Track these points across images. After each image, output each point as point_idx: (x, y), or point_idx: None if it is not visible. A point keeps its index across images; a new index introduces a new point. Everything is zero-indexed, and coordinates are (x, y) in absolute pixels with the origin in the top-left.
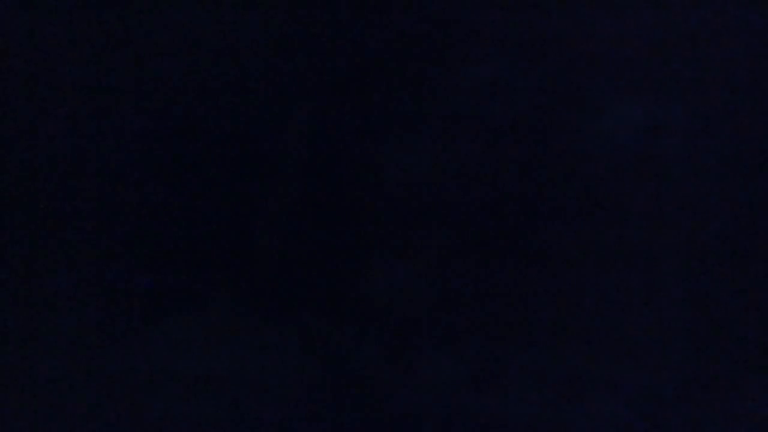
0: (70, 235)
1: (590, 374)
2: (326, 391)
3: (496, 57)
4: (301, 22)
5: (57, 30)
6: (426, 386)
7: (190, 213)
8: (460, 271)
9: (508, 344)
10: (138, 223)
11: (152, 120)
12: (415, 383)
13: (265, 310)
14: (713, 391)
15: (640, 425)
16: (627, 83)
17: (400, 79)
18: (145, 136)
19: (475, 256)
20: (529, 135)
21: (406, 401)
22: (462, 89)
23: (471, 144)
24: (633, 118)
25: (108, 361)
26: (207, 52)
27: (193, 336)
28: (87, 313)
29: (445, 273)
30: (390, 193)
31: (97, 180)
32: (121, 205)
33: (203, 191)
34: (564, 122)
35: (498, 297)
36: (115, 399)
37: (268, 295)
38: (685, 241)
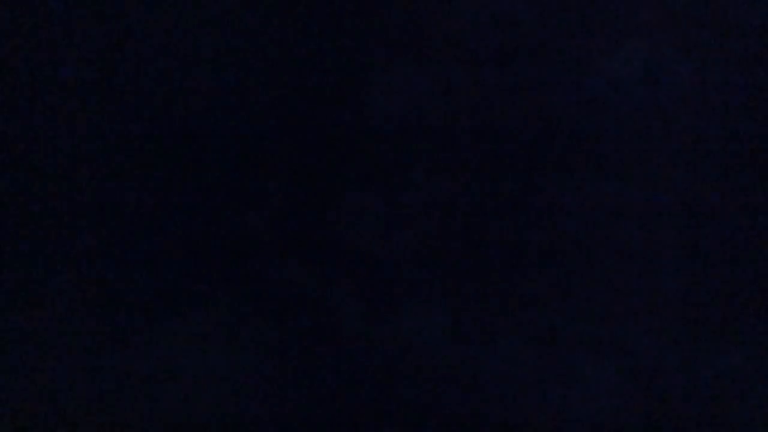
0: (69, 234)
1: (577, 332)
2: (301, 357)
3: None
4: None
5: (57, 30)
6: (407, 339)
7: (189, 213)
8: (448, 216)
9: (496, 296)
10: (138, 222)
11: (152, 120)
12: (396, 336)
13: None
14: (702, 349)
15: (628, 386)
16: (634, 23)
17: (399, 8)
18: (145, 136)
19: (465, 199)
20: (530, 71)
21: (387, 355)
22: (463, 22)
23: (466, 78)
24: (638, 60)
25: (108, 361)
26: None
27: (194, 336)
28: (87, 313)
29: (431, 217)
30: (380, 127)
31: (96, 180)
32: (121, 205)
33: (203, 191)
34: (566, 61)
35: (487, 246)
36: (115, 399)
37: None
38: (685, 196)
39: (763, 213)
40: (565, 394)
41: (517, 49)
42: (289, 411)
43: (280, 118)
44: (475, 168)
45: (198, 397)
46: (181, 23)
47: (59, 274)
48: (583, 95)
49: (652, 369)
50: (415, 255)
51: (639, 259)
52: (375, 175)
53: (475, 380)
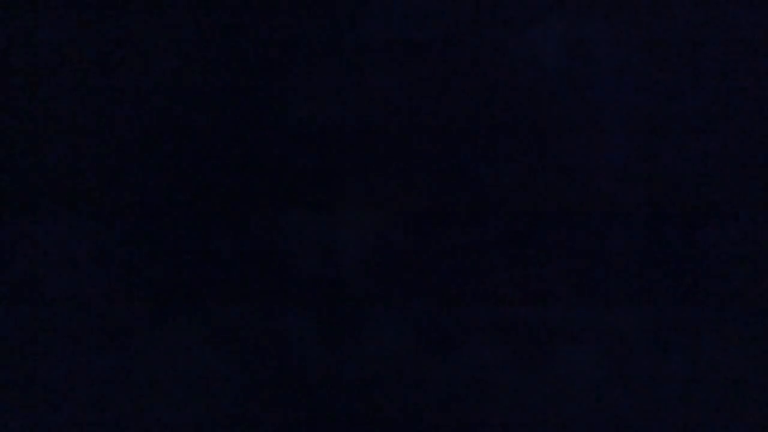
0: (70, 235)
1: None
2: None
3: None
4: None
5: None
6: (372, 357)
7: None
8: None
9: (456, 299)
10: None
11: (152, 120)
12: (358, 355)
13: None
14: (683, 335)
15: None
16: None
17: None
18: (145, 136)
19: (409, 204)
20: (452, 53)
21: (352, 376)
22: (374, 16)
23: (382, 75)
24: (557, 35)
25: (108, 361)
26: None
27: (194, 336)
28: (87, 313)
29: (376, 222)
30: (301, 134)
31: (96, 180)
32: (121, 205)
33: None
34: (488, 39)
35: (439, 250)
36: (115, 399)
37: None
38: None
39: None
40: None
41: (437, 34)
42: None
43: (194, 126)
44: (408, 169)
45: (198, 398)
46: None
47: (59, 275)
48: (508, 69)
49: (638, 363)
50: (366, 270)
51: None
52: (309, 188)
53: (447, 387)
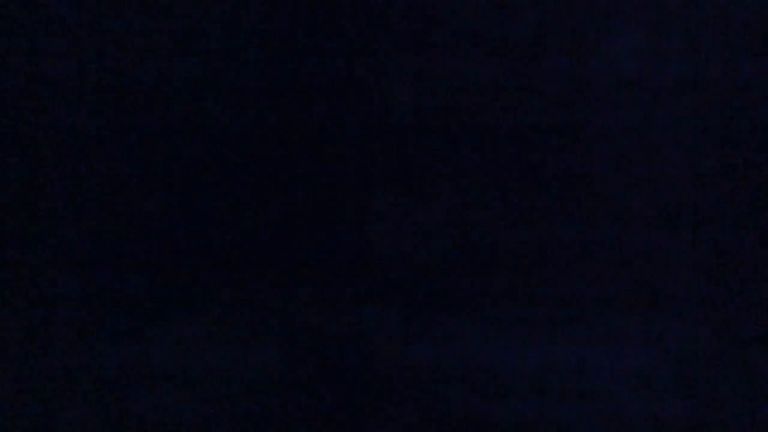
0: (69, 235)
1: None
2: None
3: None
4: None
5: (59, 30)
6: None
7: (189, 213)
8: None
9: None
10: (137, 223)
11: (152, 120)
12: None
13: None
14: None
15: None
16: (628, 14)
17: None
18: (145, 136)
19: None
20: (532, 60)
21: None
22: (462, 10)
23: (472, 66)
24: (632, 48)
25: (107, 361)
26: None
27: (193, 336)
28: (87, 313)
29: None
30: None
31: (96, 180)
32: (121, 205)
33: (203, 191)
34: (566, 48)
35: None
36: (115, 399)
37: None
38: (682, 173)
39: (752, 186)
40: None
41: (517, 40)
42: (290, 411)
43: (285, 116)
44: (487, 168)
45: (198, 397)
46: (181, 19)
47: (60, 275)
48: (584, 79)
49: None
50: (447, 262)
51: (644, 254)
52: (397, 178)
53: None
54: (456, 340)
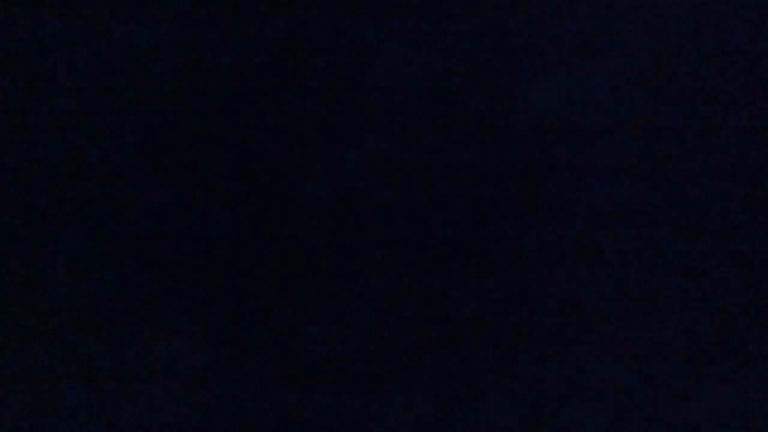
0: (69, 235)
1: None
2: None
3: (419, 37)
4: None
5: (57, 30)
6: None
7: (189, 213)
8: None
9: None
10: (137, 223)
11: (152, 120)
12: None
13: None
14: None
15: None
16: (553, 56)
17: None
18: (146, 135)
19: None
20: (460, 107)
21: None
22: (376, 80)
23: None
24: (559, 89)
25: (107, 361)
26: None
27: (192, 337)
28: (87, 313)
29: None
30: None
31: (97, 181)
32: (121, 205)
33: (203, 192)
34: (493, 92)
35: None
36: (115, 399)
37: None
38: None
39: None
40: None
41: (445, 91)
42: (287, 412)
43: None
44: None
45: (198, 397)
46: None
47: (59, 274)
48: (513, 122)
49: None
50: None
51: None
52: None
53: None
54: None
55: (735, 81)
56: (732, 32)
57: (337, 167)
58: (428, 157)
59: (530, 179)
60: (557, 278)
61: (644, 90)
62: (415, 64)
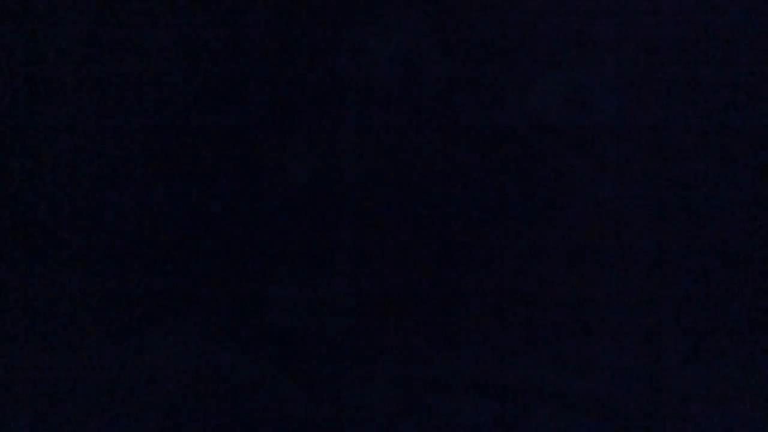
0: (70, 235)
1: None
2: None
3: (422, 27)
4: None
5: (58, 30)
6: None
7: (189, 213)
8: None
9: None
10: (137, 223)
11: (153, 120)
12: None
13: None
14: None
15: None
16: (556, 54)
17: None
18: (146, 136)
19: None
20: (460, 107)
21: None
22: (383, 61)
23: (396, 119)
24: (561, 89)
25: (108, 361)
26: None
27: (193, 336)
28: (88, 314)
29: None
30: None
31: (97, 182)
32: (122, 206)
33: (203, 192)
34: (493, 92)
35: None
36: (115, 398)
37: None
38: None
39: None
40: None
41: (442, 89)
42: (288, 410)
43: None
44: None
45: (197, 397)
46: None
47: (59, 274)
48: (513, 122)
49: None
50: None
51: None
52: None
53: None
54: None
55: (735, 81)
56: (732, 32)
57: (336, 167)
58: (428, 157)
59: (530, 179)
60: (557, 278)
61: (644, 90)
62: (415, 64)
